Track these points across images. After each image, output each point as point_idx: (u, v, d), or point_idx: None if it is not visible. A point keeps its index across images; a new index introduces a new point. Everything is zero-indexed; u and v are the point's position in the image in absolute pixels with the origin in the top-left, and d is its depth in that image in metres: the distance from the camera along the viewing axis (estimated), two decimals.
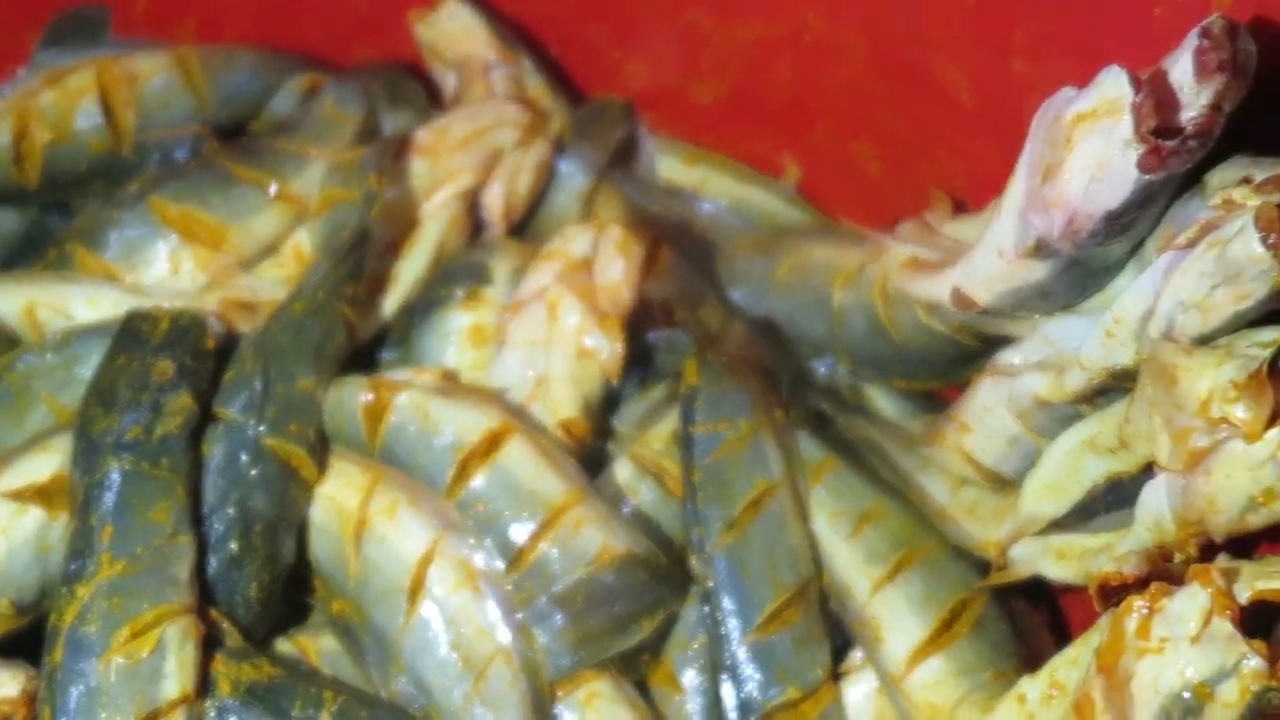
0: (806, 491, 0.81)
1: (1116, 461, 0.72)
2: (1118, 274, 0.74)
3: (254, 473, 0.78)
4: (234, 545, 0.77)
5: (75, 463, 0.76)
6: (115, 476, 0.75)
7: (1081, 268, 0.73)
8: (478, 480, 0.79)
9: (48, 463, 0.78)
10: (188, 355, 0.79)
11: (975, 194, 0.90)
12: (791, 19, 0.96)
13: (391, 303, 0.90)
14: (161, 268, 0.89)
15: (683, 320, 0.89)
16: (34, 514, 0.76)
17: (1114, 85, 0.67)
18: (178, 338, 0.80)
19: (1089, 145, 0.68)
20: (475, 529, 0.79)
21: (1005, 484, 0.80)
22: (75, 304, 0.86)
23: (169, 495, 0.75)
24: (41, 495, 0.76)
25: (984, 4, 0.86)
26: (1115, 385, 0.72)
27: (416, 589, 0.77)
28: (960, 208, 0.91)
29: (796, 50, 0.97)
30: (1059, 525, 0.75)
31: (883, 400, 0.94)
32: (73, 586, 0.73)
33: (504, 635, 0.76)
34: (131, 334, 0.80)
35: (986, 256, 0.76)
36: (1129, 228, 0.69)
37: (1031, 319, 0.77)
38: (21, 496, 0.76)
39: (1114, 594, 0.62)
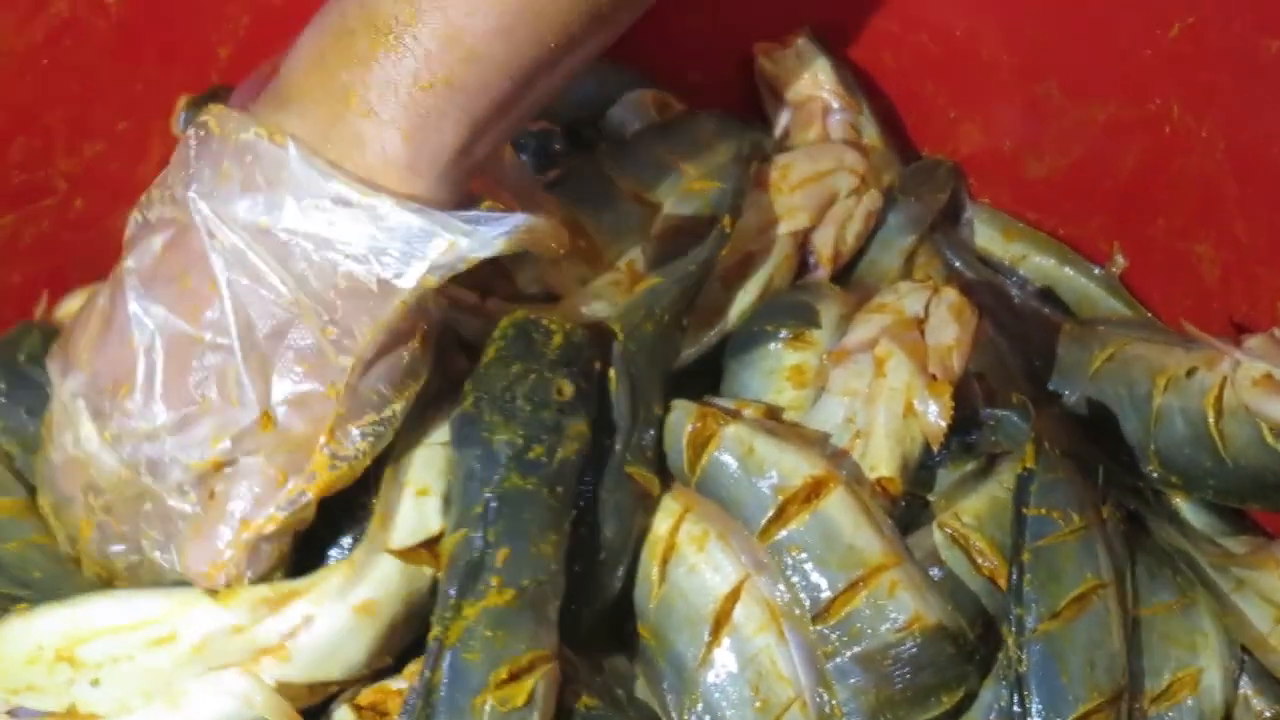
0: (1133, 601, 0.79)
1: None
2: None
3: (611, 499, 0.77)
4: (577, 568, 0.75)
5: (467, 466, 0.73)
6: (520, 497, 0.71)
7: None
8: (796, 525, 0.78)
9: (434, 511, 0.74)
10: (582, 378, 0.75)
11: None
12: (1153, 104, 0.94)
13: (715, 331, 0.90)
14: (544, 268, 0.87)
15: (1014, 401, 0.87)
16: (428, 572, 0.73)
17: None
18: (573, 356, 0.76)
19: None
20: (785, 573, 0.78)
21: None
22: None
23: (558, 529, 0.72)
24: (432, 552, 0.73)
25: None
26: None
27: (721, 623, 0.77)
28: None
29: (1150, 137, 0.95)
30: None
31: (1188, 510, 0.92)
32: (460, 602, 0.70)
33: (804, 684, 0.75)
34: (525, 341, 0.76)
35: None
36: None
37: None
38: (418, 559, 0.73)
39: None
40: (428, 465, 0.75)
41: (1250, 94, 0.89)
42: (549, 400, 0.73)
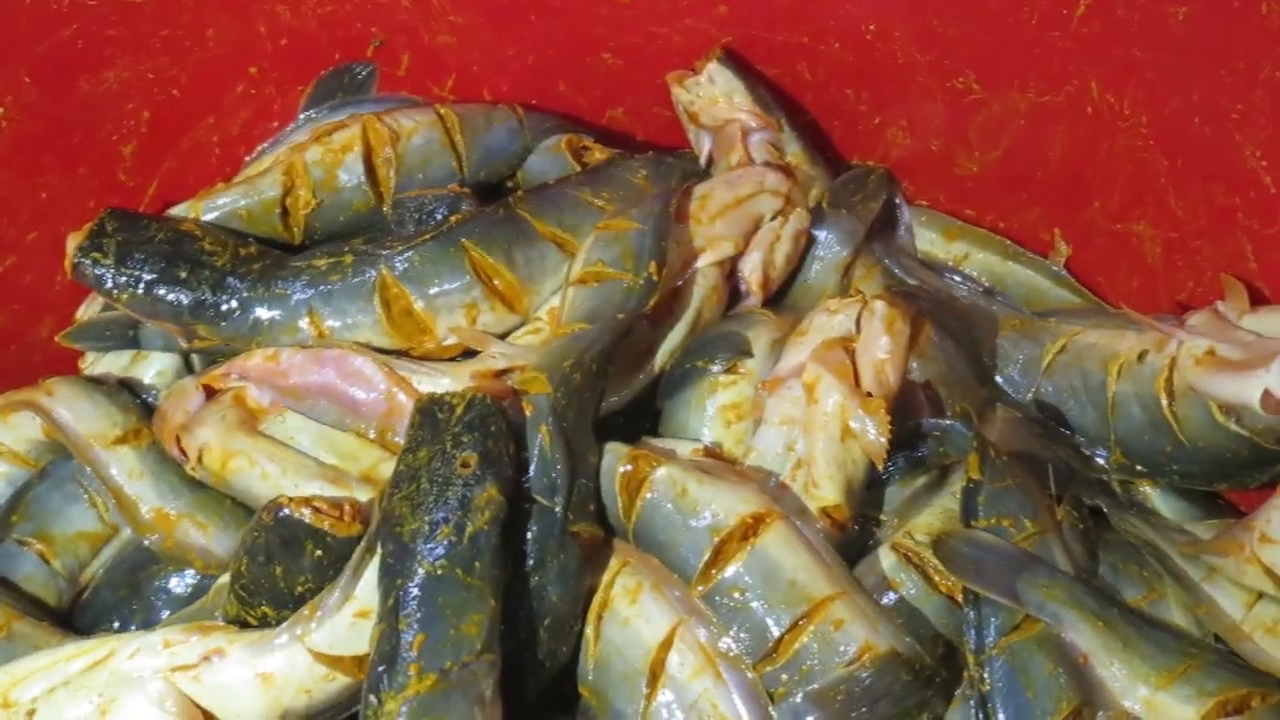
0: None
1: None
2: None
3: (555, 562, 0.75)
4: (520, 636, 0.73)
5: (382, 564, 0.72)
6: (431, 582, 0.70)
7: None
8: (734, 566, 0.75)
9: (366, 635, 0.72)
10: (489, 440, 0.73)
11: (1275, 283, 0.84)
12: (1071, 86, 0.91)
13: (646, 372, 0.88)
14: (458, 316, 0.87)
15: (956, 409, 0.84)
16: (343, 681, 0.73)
17: None
18: (476, 423, 0.74)
19: None
20: (724, 616, 0.75)
21: None
22: None
23: (481, 607, 0.70)
24: (358, 665, 0.73)
25: None
26: None
27: (656, 674, 0.74)
28: (1257, 298, 0.85)
29: (1074, 120, 0.93)
30: None
31: (1158, 497, 0.89)
32: (381, 695, 0.68)
33: None
34: (430, 422, 0.74)
35: None
36: None
37: None
38: (337, 666, 0.73)
39: None
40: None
41: (1166, 66, 0.87)
42: (453, 476, 0.72)
